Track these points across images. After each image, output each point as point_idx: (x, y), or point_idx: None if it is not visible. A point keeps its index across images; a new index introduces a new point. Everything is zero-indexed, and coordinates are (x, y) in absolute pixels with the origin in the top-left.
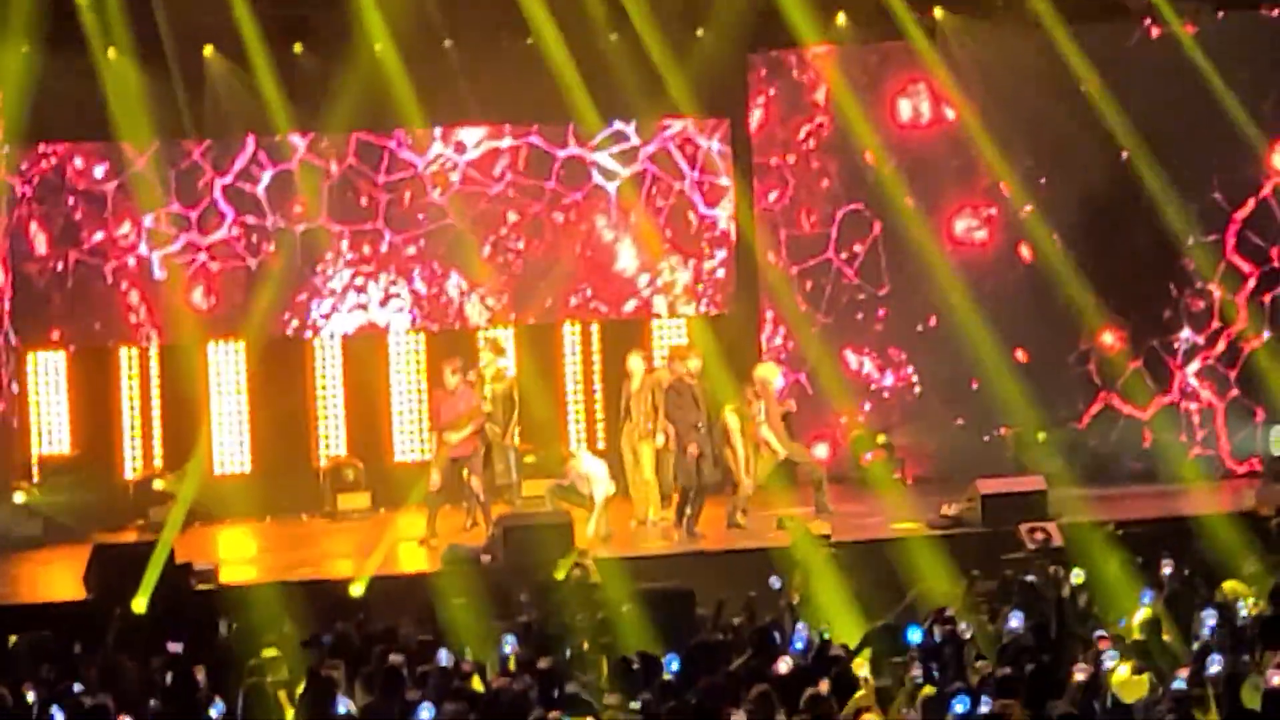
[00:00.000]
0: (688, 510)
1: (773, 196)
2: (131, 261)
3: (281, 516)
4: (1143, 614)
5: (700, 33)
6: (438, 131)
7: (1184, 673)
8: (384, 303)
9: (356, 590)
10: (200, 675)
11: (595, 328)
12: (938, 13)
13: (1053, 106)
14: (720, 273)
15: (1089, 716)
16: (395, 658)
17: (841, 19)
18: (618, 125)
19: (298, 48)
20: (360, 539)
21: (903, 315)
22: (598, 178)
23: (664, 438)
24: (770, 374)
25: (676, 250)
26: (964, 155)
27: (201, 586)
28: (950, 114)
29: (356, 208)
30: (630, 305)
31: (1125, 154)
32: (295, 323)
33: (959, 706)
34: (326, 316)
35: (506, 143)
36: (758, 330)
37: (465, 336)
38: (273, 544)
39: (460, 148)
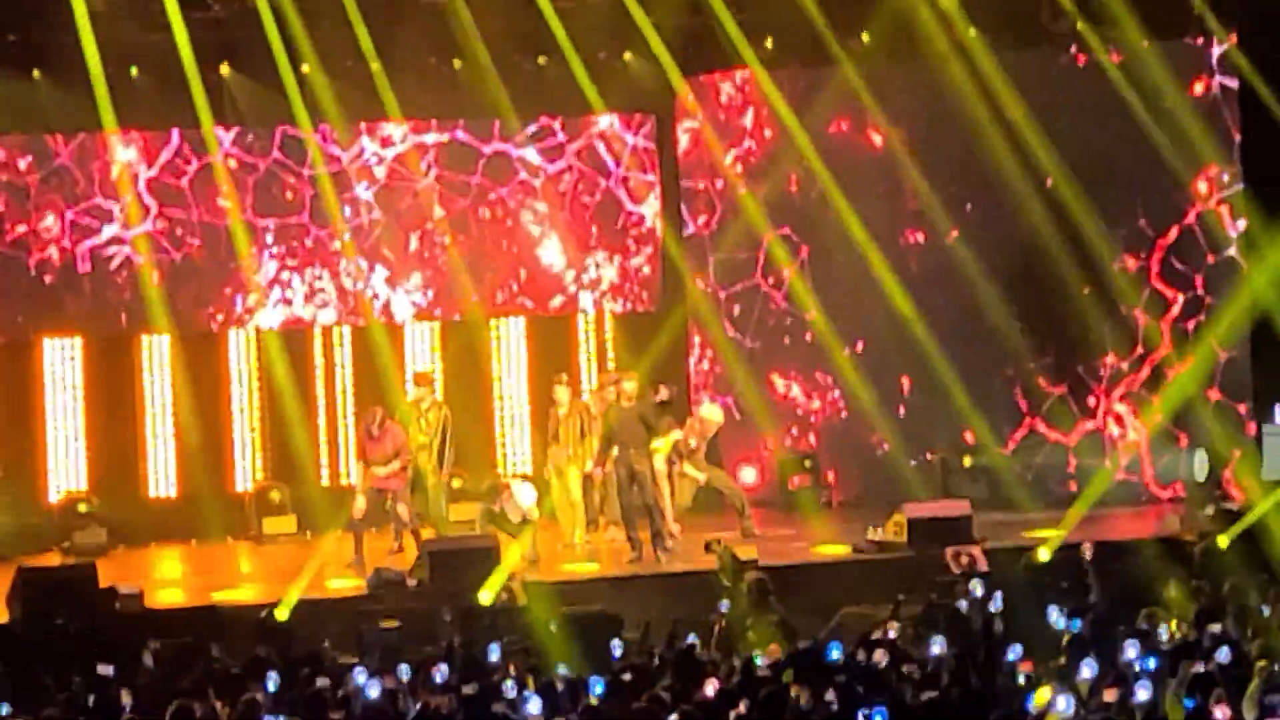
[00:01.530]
0: (635, 532)
1: (701, 221)
2: (54, 254)
3: (207, 540)
4: (1065, 639)
5: (627, 56)
6: (363, 126)
7: (1110, 695)
8: (309, 297)
9: (282, 614)
10: (125, 698)
11: (523, 324)
12: (864, 38)
13: (979, 133)
14: (646, 269)
15: None
16: (320, 681)
17: (769, 43)
18: (544, 121)
19: (225, 69)
20: (286, 563)
21: (829, 339)
22: (524, 174)
23: (592, 463)
24: (717, 418)
25: (603, 246)
26: (890, 180)
27: (127, 609)
28: (877, 139)
29: (282, 201)
30: (557, 301)
31: (1049, 180)
32: (220, 317)
33: None
34: (251, 311)
35: (432, 138)
36: (686, 328)
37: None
38: (197, 568)
39: (386, 142)
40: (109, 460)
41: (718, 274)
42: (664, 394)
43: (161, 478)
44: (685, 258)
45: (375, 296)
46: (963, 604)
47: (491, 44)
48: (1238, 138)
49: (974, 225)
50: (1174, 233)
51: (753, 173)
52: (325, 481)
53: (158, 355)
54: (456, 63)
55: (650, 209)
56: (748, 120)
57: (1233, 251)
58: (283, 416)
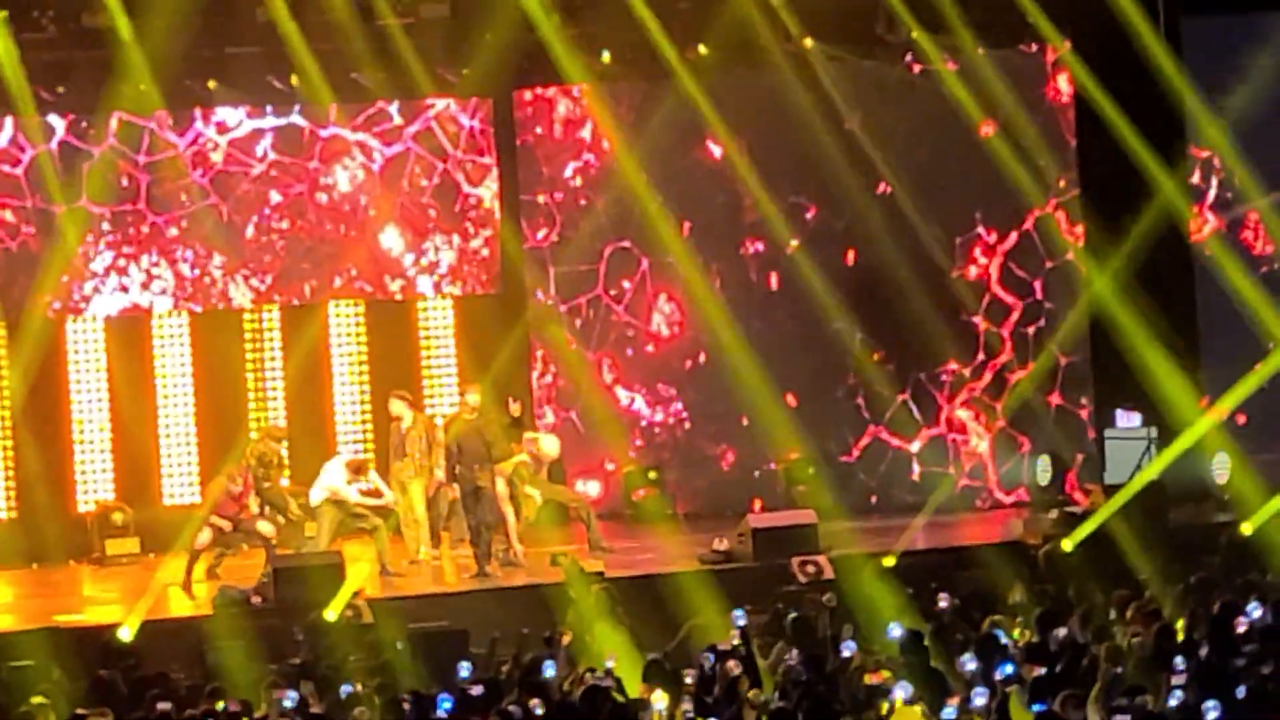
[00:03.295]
0: (482, 547)
1: (541, 234)
2: None
3: (47, 563)
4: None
5: (466, 72)
6: (198, 112)
7: (954, 701)
8: (146, 284)
9: (125, 635)
10: None
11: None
12: (701, 49)
13: (818, 142)
14: (485, 251)
15: None
16: (164, 704)
17: (606, 56)
18: (380, 105)
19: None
20: (129, 584)
21: (672, 351)
22: (360, 157)
23: (441, 475)
24: (554, 451)
25: (440, 230)
26: (730, 191)
27: None
28: (716, 150)
29: (118, 189)
30: (396, 285)
31: (886, 188)
32: (57, 304)
33: None
34: (88, 299)
35: (268, 122)
36: (523, 311)
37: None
38: (38, 590)
39: (222, 128)
40: None
41: (559, 287)
42: (515, 410)
43: None
44: (526, 270)
45: (213, 283)
46: (808, 611)
47: (328, 33)
48: (1074, 143)
49: (814, 234)
50: (1013, 239)
51: (592, 185)
52: (169, 501)
53: None
54: (295, 47)
55: (488, 191)
56: (586, 133)
57: (1070, 257)
58: (126, 429)
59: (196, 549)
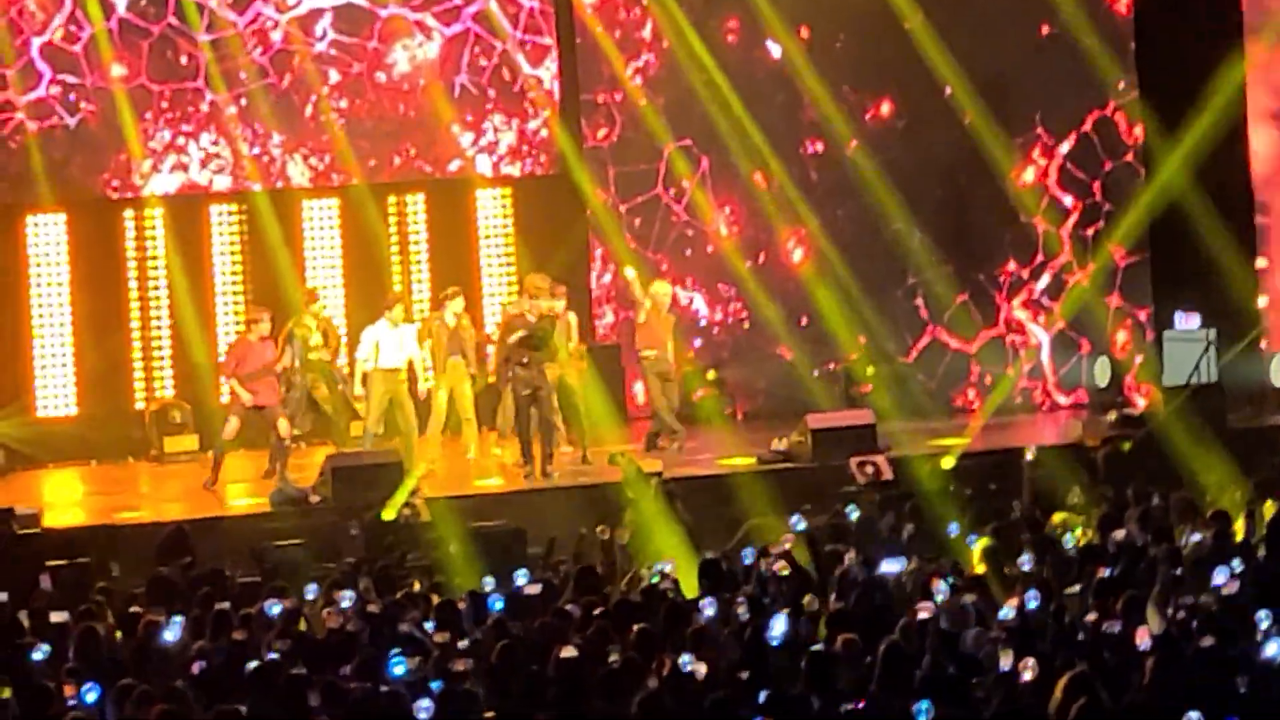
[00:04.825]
0: (544, 447)
1: (601, 134)
2: None
3: (106, 460)
4: (980, 545)
5: None
6: None
7: (1012, 603)
8: (205, 162)
9: (186, 532)
10: (24, 620)
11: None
12: None
13: (879, 42)
14: (544, 133)
15: (919, 648)
16: (221, 603)
17: None
18: None
19: None
20: (187, 481)
21: (731, 251)
22: (419, 36)
23: (497, 379)
24: (667, 290)
25: (499, 110)
26: (789, 90)
27: (24, 531)
28: (775, 50)
29: (176, 67)
30: (454, 165)
31: (948, 90)
32: (116, 183)
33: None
34: (146, 176)
35: (328, 1)
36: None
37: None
38: (97, 487)
39: (281, 6)
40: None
41: (618, 186)
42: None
43: (58, 397)
44: (585, 170)
45: (271, 162)
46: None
47: None
48: (1133, 44)
49: (872, 133)
50: (1072, 139)
51: (652, 84)
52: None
53: (48, 235)
54: None
55: (547, 72)
56: (646, 32)
57: (1130, 158)
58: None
59: (225, 439)
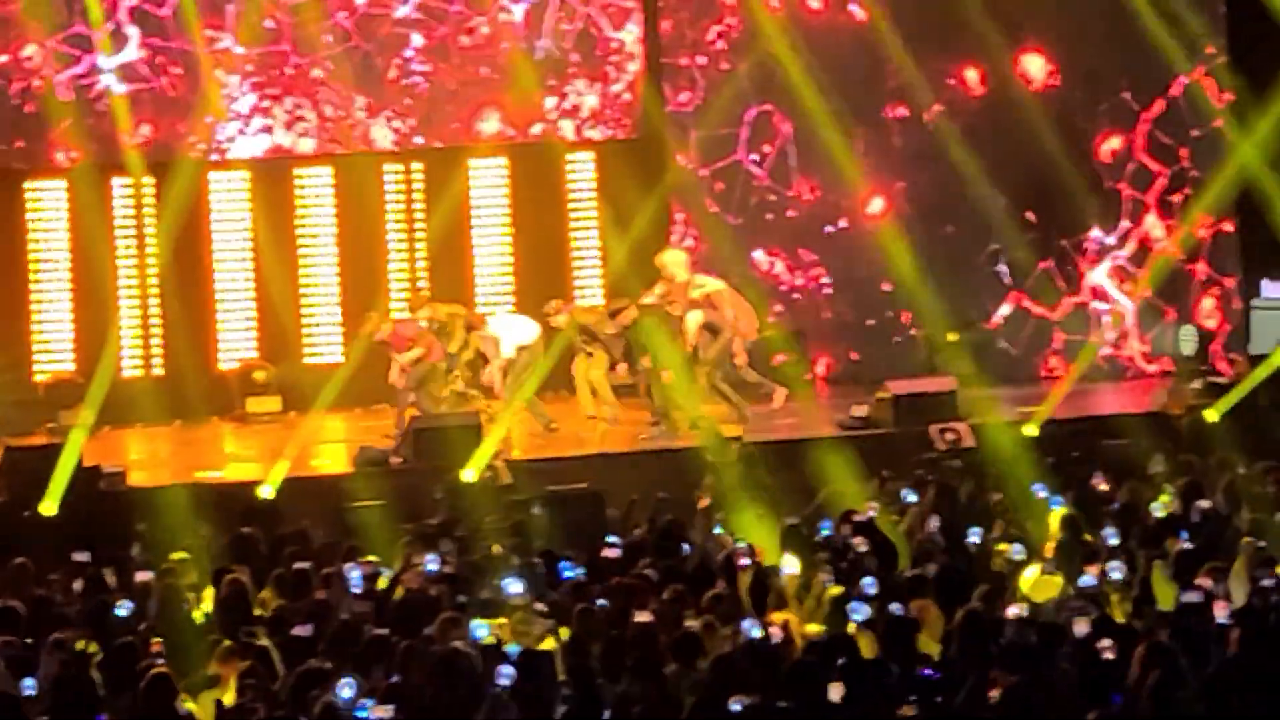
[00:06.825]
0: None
1: (683, 98)
2: (37, 84)
3: (190, 420)
4: (1059, 513)
5: None
6: None
7: (1093, 570)
8: (289, 125)
9: (266, 493)
10: (110, 577)
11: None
12: None
13: (962, 6)
14: (627, 96)
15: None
16: (302, 562)
17: None
18: None
19: None
20: (270, 442)
21: (813, 216)
22: (504, 0)
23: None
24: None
25: (582, 74)
26: (872, 55)
27: (110, 489)
28: (858, 13)
29: (261, 30)
30: (537, 128)
31: (1033, 54)
32: (202, 145)
33: (856, 615)
34: (232, 140)
35: None
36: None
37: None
38: (181, 447)
39: None
40: (90, 336)
41: (700, 151)
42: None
43: (143, 356)
44: (668, 133)
45: (355, 125)
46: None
47: None
48: (1223, 9)
49: (956, 100)
50: (1158, 106)
51: (735, 49)
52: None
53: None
54: None
55: (630, 35)
56: None
57: (1218, 124)
58: (268, 285)
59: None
